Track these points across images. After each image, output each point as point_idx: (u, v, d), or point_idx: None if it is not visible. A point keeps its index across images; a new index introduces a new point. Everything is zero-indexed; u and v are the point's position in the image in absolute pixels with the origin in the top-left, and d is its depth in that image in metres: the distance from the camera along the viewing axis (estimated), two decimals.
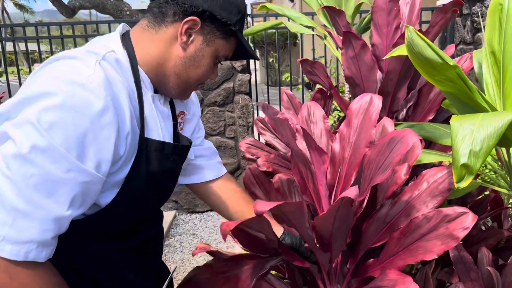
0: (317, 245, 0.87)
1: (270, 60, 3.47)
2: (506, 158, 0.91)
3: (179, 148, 0.94)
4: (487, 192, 1.48)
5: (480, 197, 1.41)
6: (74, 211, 0.76)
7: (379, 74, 1.34)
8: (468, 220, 0.74)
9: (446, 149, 1.10)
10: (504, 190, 0.90)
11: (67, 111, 0.71)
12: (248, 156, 1.67)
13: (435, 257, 0.78)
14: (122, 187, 0.84)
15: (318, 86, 1.66)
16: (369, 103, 0.94)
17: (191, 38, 0.85)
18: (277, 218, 0.86)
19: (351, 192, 0.74)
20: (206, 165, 1.14)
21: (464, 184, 0.76)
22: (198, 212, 3.52)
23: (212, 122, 3.32)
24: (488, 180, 0.92)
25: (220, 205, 1.14)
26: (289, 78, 3.50)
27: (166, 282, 0.91)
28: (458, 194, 0.92)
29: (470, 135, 0.76)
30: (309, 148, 0.93)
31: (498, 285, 1.02)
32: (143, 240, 0.99)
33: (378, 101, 0.93)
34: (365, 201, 0.88)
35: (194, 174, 1.14)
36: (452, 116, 0.80)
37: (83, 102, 0.72)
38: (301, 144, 0.99)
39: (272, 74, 10.02)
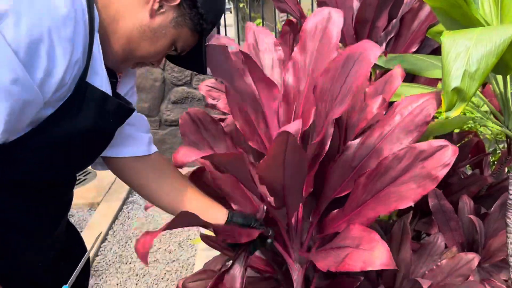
0: (269, 200, 0.73)
1: (241, 5, 3.22)
2: (502, 89, 0.78)
3: (124, 109, 0.77)
4: (466, 139, 1.38)
5: (460, 144, 1.32)
6: (4, 135, 0.63)
7: (355, 3, 1.17)
8: (448, 154, 0.61)
9: (433, 83, 0.96)
10: (497, 127, 0.78)
11: (23, 4, 0.58)
12: (210, 100, 1.50)
13: (411, 203, 0.65)
14: (38, 128, 0.68)
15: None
16: (327, 20, 0.77)
17: (162, 10, 0.73)
18: (219, 169, 0.72)
19: (292, 126, 0.59)
20: (139, 137, 0.91)
21: (455, 112, 0.62)
22: None
23: (177, 71, 3.09)
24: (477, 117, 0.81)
25: (151, 182, 0.90)
26: (261, 24, 3.29)
27: (79, 267, 0.75)
28: (443, 130, 0.79)
29: (465, 53, 0.62)
30: (254, 81, 0.77)
31: (480, 234, 0.93)
32: (44, 202, 0.82)
33: (338, 17, 0.76)
34: (327, 141, 0.73)
35: (126, 145, 0.88)
36: (444, 31, 0.66)
37: (44, 2, 0.61)
38: (248, 79, 0.82)
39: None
